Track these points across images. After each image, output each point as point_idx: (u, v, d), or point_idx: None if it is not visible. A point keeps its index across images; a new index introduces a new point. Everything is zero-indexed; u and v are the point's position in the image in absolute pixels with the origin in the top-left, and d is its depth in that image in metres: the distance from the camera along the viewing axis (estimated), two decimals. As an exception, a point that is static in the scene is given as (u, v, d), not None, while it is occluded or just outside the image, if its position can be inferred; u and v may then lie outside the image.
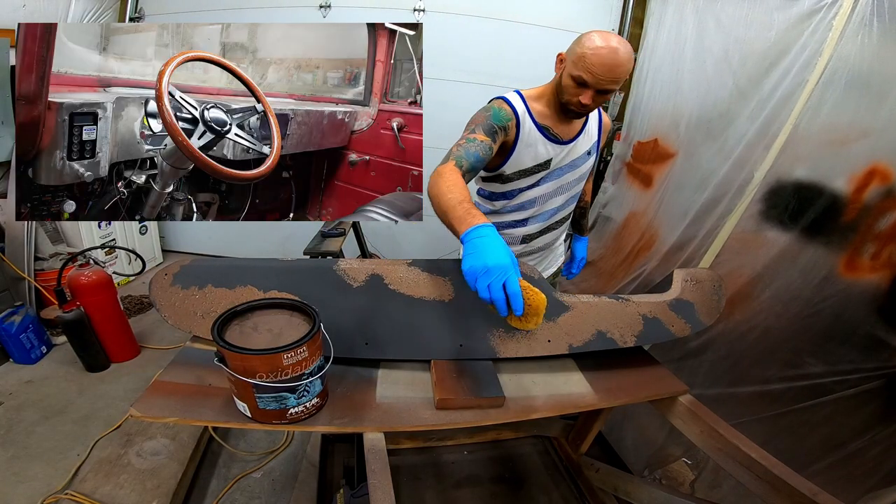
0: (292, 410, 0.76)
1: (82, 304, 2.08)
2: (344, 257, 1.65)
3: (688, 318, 1.11)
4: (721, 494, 1.49)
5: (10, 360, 2.20)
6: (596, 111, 1.32)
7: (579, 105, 1.13)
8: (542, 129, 1.22)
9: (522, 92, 1.24)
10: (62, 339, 2.30)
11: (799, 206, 1.42)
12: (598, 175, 3.18)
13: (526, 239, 1.41)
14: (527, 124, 1.20)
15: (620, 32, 2.92)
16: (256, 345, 0.72)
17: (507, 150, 1.23)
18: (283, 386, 0.72)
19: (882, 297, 1.23)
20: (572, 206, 1.43)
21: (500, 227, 1.41)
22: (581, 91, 1.11)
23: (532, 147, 1.23)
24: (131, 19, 3.03)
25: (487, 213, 1.44)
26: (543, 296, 0.78)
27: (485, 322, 0.99)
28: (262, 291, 0.92)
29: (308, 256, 2.05)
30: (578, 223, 1.69)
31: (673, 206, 2.02)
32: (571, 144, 1.28)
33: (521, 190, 1.31)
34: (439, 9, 2.84)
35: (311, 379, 0.75)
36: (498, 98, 1.22)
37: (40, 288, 2.35)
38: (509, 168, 1.26)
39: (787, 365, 1.40)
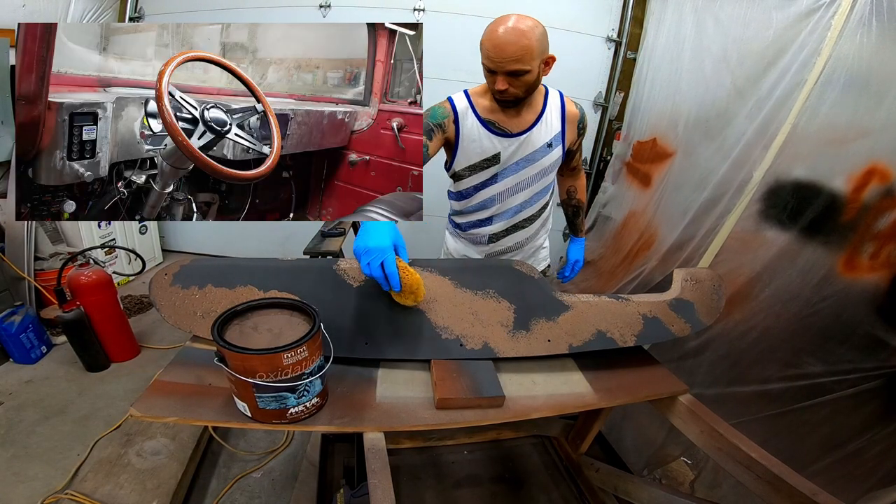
0: (292, 410, 0.76)
1: (82, 304, 2.08)
2: (344, 257, 1.65)
3: (688, 318, 1.11)
4: (721, 494, 1.49)
5: (10, 359, 2.20)
6: (558, 99, 1.29)
7: (497, 92, 1.13)
8: (487, 124, 1.22)
9: (470, 89, 1.25)
10: (62, 338, 2.30)
11: (798, 206, 1.42)
12: (597, 175, 3.18)
13: (493, 238, 1.41)
14: (468, 120, 1.22)
15: (620, 32, 2.91)
16: (256, 345, 0.73)
17: (452, 146, 1.26)
18: (283, 386, 0.72)
19: (881, 296, 1.23)
20: (540, 203, 1.39)
21: (467, 226, 1.42)
22: (493, 78, 1.11)
23: (476, 142, 1.23)
24: (131, 19, 3.02)
25: (454, 214, 1.46)
26: (419, 277, 0.92)
27: (485, 321, 0.99)
28: (262, 291, 0.93)
29: (308, 256, 2.05)
30: (573, 223, 1.63)
31: (672, 206, 2.02)
32: (523, 137, 1.25)
33: (477, 188, 1.32)
34: (439, 9, 2.84)
35: (311, 379, 0.75)
36: (448, 97, 1.25)
37: (40, 288, 2.35)
38: (458, 164, 1.28)
39: (787, 364, 1.40)
